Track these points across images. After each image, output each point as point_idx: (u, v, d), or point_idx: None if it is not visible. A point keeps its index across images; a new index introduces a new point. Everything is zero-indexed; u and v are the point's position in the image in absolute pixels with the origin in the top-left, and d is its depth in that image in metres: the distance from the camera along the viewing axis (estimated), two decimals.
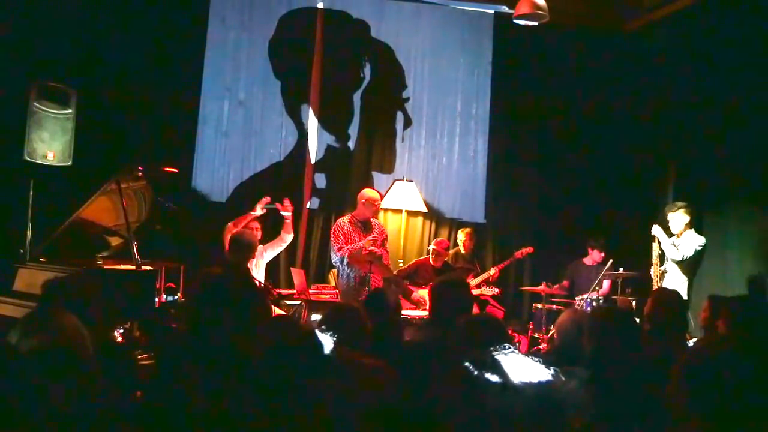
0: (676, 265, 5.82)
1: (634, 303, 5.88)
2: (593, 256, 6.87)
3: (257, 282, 5.78)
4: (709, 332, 3.71)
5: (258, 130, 7.10)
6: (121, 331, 4.16)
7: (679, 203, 5.86)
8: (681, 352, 3.12)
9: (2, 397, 1.66)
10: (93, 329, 2.11)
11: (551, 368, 1.33)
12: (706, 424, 1.58)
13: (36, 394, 1.74)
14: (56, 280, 2.91)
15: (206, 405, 1.94)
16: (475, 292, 6.25)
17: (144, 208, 5.02)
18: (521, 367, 1.31)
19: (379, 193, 6.45)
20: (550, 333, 6.09)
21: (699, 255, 5.77)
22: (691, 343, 4.00)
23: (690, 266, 5.80)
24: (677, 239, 5.87)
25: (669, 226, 5.89)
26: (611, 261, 6.18)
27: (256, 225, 6.24)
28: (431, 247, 6.63)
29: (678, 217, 5.79)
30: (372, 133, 7.35)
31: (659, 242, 5.94)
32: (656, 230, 5.93)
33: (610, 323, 2.69)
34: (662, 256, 6.02)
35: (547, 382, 1.30)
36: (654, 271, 5.97)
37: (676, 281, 5.60)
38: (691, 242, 5.75)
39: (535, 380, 1.29)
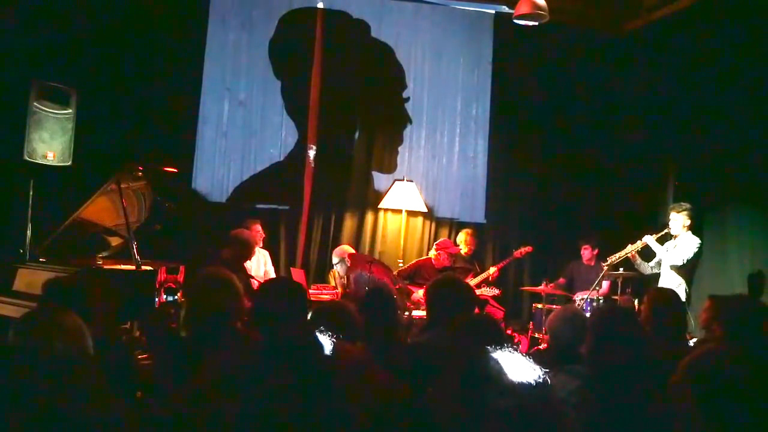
0: (670, 268, 5.80)
1: (636, 302, 5.87)
2: (586, 255, 6.90)
3: (255, 281, 5.81)
4: (710, 332, 3.70)
5: (258, 130, 7.10)
6: (122, 331, 4.16)
7: (685, 205, 5.82)
8: (682, 352, 3.13)
9: (2, 395, 1.66)
10: (94, 329, 2.12)
11: (544, 369, 1.34)
12: (711, 424, 1.58)
13: (36, 393, 1.74)
14: (57, 280, 2.91)
15: (204, 405, 1.94)
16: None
17: (144, 208, 5.02)
18: (516, 367, 1.31)
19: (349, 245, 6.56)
20: None
21: (696, 257, 5.76)
22: (691, 343, 4.00)
23: (686, 268, 5.78)
24: (672, 241, 5.84)
25: (669, 224, 5.87)
26: (611, 261, 6.17)
27: (260, 227, 6.27)
28: (444, 251, 6.56)
29: (679, 219, 5.76)
30: (372, 133, 7.35)
31: (636, 250, 5.93)
32: (648, 239, 5.89)
33: (612, 321, 2.69)
34: (642, 255, 6.00)
35: (540, 382, 1.30)
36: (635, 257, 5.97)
37: (672, 284, 5.57)
38: (689, 244, 5.73)
39: (529, 380, 1.29)
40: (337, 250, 6.36)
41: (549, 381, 1.33)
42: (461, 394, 1.33)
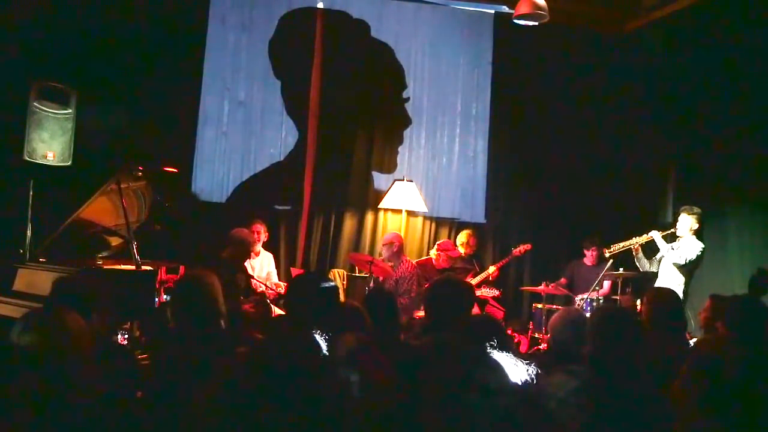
0: (673, 266, 5.80)
1: (638, 302, 5.87)
2: (589, 256, 6.90)
3: (256, 281, 5.81)
4: (710, 332, 3.70)
5: (258, 130, 7.10)
6: (122, 331, 4.17)
7: (697, 209, 5.79)
8: (683, 351, 3.13)
9: (3, 394, 1.66)
10: (96, 329, 2.12)
11: (541, 369, 1.34)
12: (713, 422, 1.58)
13: (37, 392, 1.74)
14: (65, 279, 2.92)
15: (204, 404, 1.94)
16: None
17: (144, 208, 5.02)
18: (505, 367, 1.31)
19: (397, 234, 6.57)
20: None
21: (699, 259, 5.75)
22: (692, 342, 4.00)
23: (687, 268, 5.78)
24: (676, 242, 5.84)
25: (676, 225, 5.86)
26: (611, 261, 6.17)
27: (262, 228, 6.26)
28: (444, 253, 6.57)
29: (688, 221, 5.73)
30: (372, 133, 7.34)
31: (640, 245, 5.95)
32: (654, 234, 5.89)
33: (612, 321, 2.69)
34: (644, 251, 6.01)
35: (528, 383, 1.31)
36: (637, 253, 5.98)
37: (673, 282, 5.56)
38: (692, 248, 5.72)
39: (516, 381, 1.30)
40: (390, 235, 6.45)
41: (538, 381, 1.33)
42: (447, 394, 1.33)
